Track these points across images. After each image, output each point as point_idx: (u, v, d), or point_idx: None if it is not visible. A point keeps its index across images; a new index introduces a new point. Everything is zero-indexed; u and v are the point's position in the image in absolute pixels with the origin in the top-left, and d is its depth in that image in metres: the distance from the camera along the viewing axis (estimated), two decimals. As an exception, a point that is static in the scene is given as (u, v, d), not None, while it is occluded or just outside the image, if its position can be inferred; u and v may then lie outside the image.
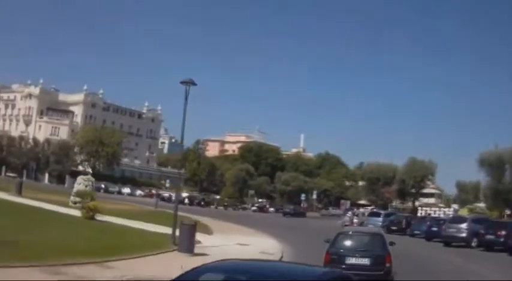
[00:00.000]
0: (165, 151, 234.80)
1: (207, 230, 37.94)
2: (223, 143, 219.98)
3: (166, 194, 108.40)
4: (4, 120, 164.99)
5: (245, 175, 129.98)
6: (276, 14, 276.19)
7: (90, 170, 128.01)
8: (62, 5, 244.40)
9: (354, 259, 18.86)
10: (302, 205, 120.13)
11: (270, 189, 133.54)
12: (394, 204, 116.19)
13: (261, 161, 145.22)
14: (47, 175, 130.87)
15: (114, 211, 41.78)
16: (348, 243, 19.96)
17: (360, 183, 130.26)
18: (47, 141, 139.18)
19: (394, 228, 58.59)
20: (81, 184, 47.96)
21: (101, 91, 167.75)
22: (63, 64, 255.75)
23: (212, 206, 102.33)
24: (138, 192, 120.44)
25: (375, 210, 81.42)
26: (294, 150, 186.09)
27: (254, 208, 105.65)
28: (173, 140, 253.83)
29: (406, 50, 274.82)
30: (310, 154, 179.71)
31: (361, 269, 17.99)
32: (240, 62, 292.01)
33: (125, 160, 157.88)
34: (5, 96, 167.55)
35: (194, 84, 29.12)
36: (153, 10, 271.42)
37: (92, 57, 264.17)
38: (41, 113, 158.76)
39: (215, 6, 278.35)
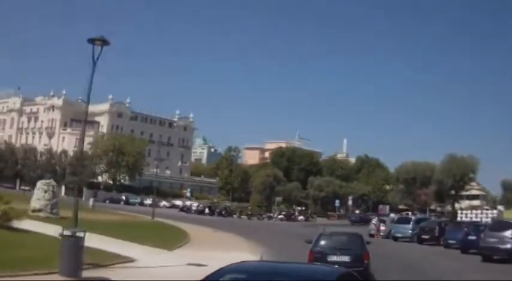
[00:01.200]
0: (204, 160, 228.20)
1: (173, 244, 31.40)
2: (263, 150, 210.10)
3: (187, 204, 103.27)
4: (27, 133, 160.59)
5: (272, 181, 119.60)
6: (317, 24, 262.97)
7: (110, 181, 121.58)
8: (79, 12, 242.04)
9: (335, 256, 20.44)
10: (337, 211, 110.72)
11: (302, 195, 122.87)
12: (433, 207, 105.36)
13: (294, 166, 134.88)
14: (63, 188, 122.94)
15: (92, 222, 35.61)
16: (329, 243, 22.06)
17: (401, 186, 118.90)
18: (64, 152, 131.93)
19: (425, 237, 48.23)
20: (40, 189, 42.66)
21: (128, 100, 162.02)
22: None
23: (235, 216, 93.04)
24: (163, 203, 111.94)
25: (404, 215, 71.29)
26: (338, 156, 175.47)
27: (281, 216, 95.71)
28: (212, 150, 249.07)
29: (444, 46, 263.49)
30: (352, 159, 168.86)
31: (342, 265, 16.60)
32: (276, 67, 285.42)
33: (154, 170, 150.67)
34: (28, 109, 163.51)
35: (107, 43, 22.19)
36: (183, 15, 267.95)
37: (120, 65, 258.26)
38: (64, 125, 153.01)
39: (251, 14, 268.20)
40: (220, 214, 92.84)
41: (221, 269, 8.35)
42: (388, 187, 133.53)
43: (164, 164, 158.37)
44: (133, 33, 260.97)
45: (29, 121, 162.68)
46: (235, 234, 46.37)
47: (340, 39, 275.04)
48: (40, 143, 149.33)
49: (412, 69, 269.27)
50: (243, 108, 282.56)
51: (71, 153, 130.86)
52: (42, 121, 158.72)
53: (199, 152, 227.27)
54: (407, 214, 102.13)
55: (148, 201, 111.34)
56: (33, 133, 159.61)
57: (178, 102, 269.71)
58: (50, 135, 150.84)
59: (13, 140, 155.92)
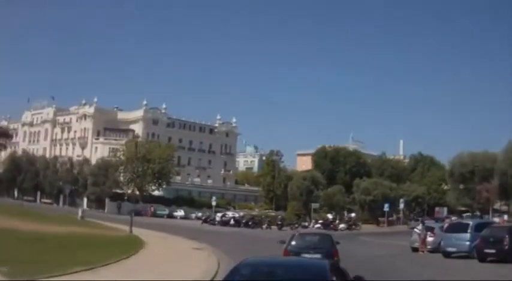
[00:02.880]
0: (255, 169, 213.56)
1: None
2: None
3: (211, 215, 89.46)
4: (61, 144, 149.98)
5: (310, 185, 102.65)
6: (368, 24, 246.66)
7: (137, 192, 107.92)
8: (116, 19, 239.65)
9: (308, 254, 21.67)
10: (387, 217, 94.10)
11: (347, 200, 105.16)
12: (496, 207, 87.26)
13: (339, 168, 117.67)
14: (85, 200, 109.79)
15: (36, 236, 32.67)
16: (302, 242, 25.19)
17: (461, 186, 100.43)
18: (86, 161, 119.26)
19: (489, 251, 31.20)
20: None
21: (164, 106, 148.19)
22: (123, 80, 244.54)
23: (264, 226, 77.82)
24: (194, 215, 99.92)
25: (458, 220, 54.25)
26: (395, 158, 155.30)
27: (318, 225, 79.21)
28: (264, 158, 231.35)
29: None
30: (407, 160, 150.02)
31: None
32: (324, 71, 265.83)
33: (196, 180, 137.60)
34: (61, 119, 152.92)
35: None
36: (225, 20, 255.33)
37: (155, 70, 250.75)
38: (97, 134, 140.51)
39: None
40: (246, 225, 78.35)
41: (236, 266, 11.17)
42: (445, 187, 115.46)
43: (206, 173, 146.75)
44: (170, 37, 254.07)
45: (62, 132, 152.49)
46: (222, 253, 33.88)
47: (388, 41, 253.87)
48: (73, 154, 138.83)
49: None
50: (292, 114, 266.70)
51: (93, 162, 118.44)
52: (75, 131, 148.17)
53: (251, 160, 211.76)
54: (468, 216, 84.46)
55: (180, 213, 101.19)
56: (67, 144, 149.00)
57: (220, 109, 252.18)
58: (83, 146, 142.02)
59: (47, 152, 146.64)
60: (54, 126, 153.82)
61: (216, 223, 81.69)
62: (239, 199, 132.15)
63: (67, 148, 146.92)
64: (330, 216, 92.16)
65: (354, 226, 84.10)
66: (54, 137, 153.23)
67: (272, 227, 77.89)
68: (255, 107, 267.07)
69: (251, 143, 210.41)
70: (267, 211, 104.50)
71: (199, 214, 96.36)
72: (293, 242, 24.76)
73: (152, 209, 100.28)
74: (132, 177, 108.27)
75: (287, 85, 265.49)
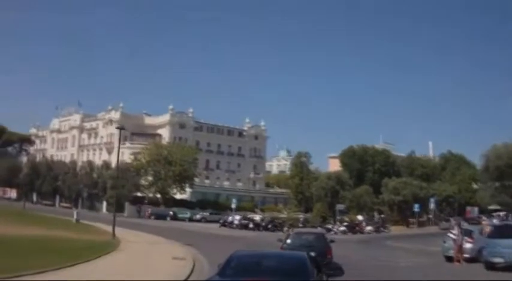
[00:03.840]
0: (288, 173, 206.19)
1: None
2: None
3: (230, 217, 79.70)
4: (88, 150, 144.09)
5: (335, 185, 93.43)
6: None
7: (158, 195, 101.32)
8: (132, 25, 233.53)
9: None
10: (417, 217, 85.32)
11: (374, 201, 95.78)
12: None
13: (368, 167, 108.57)
14: (104, 204, 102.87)
15: None
16: (297, 240, 26.11)
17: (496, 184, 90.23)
18: (106, 164, 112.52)
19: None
20: None
21: (191, 110, 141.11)
22: (150, 86, 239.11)
23: (285, 229, 69.08)
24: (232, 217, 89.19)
25: (505, 222, 45.18)
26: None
27: (342, 228, 70.60)
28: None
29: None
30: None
31: None
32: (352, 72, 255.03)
33: (225, 183, 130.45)
34: (88, 125, 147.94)
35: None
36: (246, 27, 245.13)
37: (182, 75, 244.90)
38: (124, 139, 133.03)
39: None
40: (266, 228, 70.31)
41: (230, 256, 13.32)
42: (475, 186, 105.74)
43: (235, 176, 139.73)
44: (197, 41, 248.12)
45: (89, 138, 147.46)
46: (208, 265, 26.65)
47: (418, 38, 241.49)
48: (100, 160, 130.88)
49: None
50: (324, 117, 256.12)
51: (107, 164, 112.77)
52: (101, 137, 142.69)
53: (284, 164, 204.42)
54: (498, 215, 75.12)
55: (202, 215, 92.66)
56: (94, 150, 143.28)
57: (250, 112, 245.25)
58: (109, 151, 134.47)
59: (74, 158, 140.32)
60: (81, 132, 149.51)
61: (235, 226, 73.88)
62: (269, 201, 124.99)
63: (94, 154, 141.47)
64: (360, 218, 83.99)
65: (382, 228, 75.47)
66: (81, 143, 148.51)
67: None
68: (287, 110, 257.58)
69: (284, 147, 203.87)
70: (296, 213, 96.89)
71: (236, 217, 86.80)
72: (288, 241, 26.02)
73: (171, 212, 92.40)
74: (153, 180, 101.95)
75: (318, 88, 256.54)
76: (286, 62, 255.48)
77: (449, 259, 31.42)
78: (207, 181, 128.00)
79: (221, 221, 79.36)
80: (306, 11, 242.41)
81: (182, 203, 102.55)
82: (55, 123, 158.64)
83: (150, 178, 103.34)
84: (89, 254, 27.20)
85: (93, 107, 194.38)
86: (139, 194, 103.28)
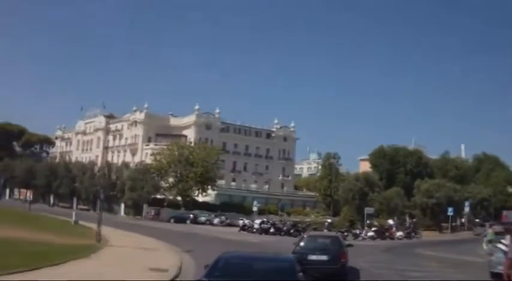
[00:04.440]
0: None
1: None
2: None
3: (246, 221, 74.25)
4: (112, 152, 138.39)
5: (364, 187, 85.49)
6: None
7: (179, 198, 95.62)
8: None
9: (314, 255, 22.01)
10: (451, 222, 78.19)
11: (406, 204, 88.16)
12: None
13: (399, 168, 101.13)
14: (122, 206, 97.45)
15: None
16: (311, 243, 23.67)
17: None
18: (126, 165, 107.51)
19: None
20: None
21: (217, 110, 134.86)
22: (177, 87, 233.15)
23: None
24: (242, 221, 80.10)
25: None
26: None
27: (371, 233, 63.71)
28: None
29: None
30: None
31: (321, 263, 21.66)
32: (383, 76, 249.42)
33: (252, 186, 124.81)
34: (113, 127, 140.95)
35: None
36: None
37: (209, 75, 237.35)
38: (148, 140, 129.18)
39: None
40: (288, 233, 63.38)
41: (218, 257, 12.75)
42: (510, 189, 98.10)
43: (263, 179, 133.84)
44: (225, 41, 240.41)
45: (114, 139, 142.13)
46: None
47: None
48: (124, 161, 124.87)
49: None
50: (355, 120, 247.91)
51: (127, 164, 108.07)
52: (126, 138, 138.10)
53: (314, 167, 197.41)
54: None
55: (220, 219, 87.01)
56: (118, 151, 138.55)
57: (280, 114, 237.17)
58: (133, 152, 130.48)
59: (99, 160, 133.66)
60: (106, 134, 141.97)
61: (255, 230, 67.08)
62: (297, 205, 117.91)
63: (118, 155, 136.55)
64: (390, 222, 76.89)
65: (413, 234, 68.34)
66: (106, 145, 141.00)
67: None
68: (319, 112, 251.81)
69: (315, 150, 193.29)
70: (324, 217, 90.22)
71: (245, 221, 77.72)
72: (301, 244, 23.75)
73: (191, 215, 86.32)
74: (174, 182, 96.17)
75: (349, 89, 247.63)
76: (316, 62, 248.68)
77: (498, 276, 24.03)
78: (233, 184, 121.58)
79: (241, 224, 72.91)
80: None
81: (204, 206, 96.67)
82: (80, 125, 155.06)
83: (170, 179, 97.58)
84: (55, 259, 23.60)
85: (116, 108, 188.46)
86: (159, 196, 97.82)
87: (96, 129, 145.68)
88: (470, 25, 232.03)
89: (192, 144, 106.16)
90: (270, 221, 70.78)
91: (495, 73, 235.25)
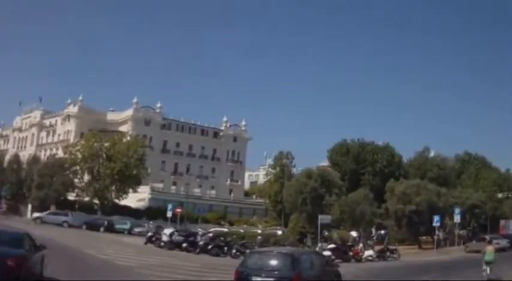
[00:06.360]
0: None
1: None
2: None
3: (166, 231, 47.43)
4: (45, 150, 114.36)
5: (319, 188, 56.43)
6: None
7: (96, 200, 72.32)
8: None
9: (259, 277, 15.87)
10: (436, 234, 53.77)
11: (377, 211, 63.25)
12: None
13: (366, 168, 77.53)
14: (29, 206, 76.17)
15: None
16: (256, 262, 16.99)
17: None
18: (36, 159, 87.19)
19: None
20: None
21: (159, 105, 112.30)
22: (120, 82, 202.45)
23: (233, 252, 39.39)
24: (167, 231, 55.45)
25: None
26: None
27: (326, 253, 38.64)
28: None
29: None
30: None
31: None
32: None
33: (196, 191, 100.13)
34: (47, 122, 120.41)
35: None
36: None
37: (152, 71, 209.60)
38: (80, 136, 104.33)
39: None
40: (204, 251, 40.03)
41: None
42: (500, 195, 74.85)
43: (209, 183, 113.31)
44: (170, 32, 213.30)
45: (47, 135, 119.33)
46: None
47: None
48: (35, 155, 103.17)
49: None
50: (317, 121, 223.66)
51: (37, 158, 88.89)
52: (59, 134, 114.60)
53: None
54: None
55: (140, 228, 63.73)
56: (51, 149, 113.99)
57: (233, 114, 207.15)
58: (65, 150, 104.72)
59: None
60: (40, 130, 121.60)
61: (163, 244, 44.31)
62: (246, 213, 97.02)
63: (51, 153, 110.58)
64: (354, 234, 54.15)
65: (388, 253, 43.85)
66: (40, 142, 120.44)
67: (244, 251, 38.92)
68: (276, 112, 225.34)
69: (273, 155, 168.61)
70: (272, 228, 68.52)
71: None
72: (246, 261, 17.28)
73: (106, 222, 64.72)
74: (89, 180, 72.96)
75: (311, 91, 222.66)
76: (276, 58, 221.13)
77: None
78: (173, 188, 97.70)
79: (149, 235, 49.24)
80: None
81: (127, 212, 73.94)
82: (17, 121, 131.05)
83: (86, 177, 75.25)
84: None
85: (58, 104, 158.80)
86: (71, 197, 75.49)
87: (32, 125, 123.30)
88: (446, 21, 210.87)
89: (109, 135, 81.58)
90: (186, 232, 46.83)
91: (462, 67, 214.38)
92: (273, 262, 16.64)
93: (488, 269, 27.66)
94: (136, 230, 63.14)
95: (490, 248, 29.58)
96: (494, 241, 51.26)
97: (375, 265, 36.78)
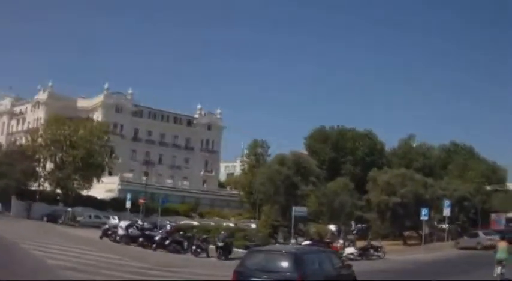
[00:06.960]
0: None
1: None
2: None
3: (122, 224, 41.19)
4: (15, 139, 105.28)
5: (293, 176, 49.74)
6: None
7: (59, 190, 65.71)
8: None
9: (259, 279, 14.15)
10: (424, 229, 47.85)
11: (358, 203, 57.33)
12: None
13: (346, 156, 71.71)
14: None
15: None
16: (256, 262, 14.96)
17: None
18: None
19: None
20: None
21: (130, 91, 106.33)
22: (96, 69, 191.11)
23: (193, 249, 33.95)
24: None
25: None
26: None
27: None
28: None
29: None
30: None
31: None
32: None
33: (168, 181, 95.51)
34: (17, 110, 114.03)
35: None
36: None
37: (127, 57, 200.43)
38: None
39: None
40: (161, 246, 34.64)
41: None
42: (488, 188, 68.82)
43: (181, 173, 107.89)
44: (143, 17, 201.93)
45: (17, 124, 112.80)
46: None
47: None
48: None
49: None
50: (292, 110, 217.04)
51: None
52: (28, 122, 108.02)
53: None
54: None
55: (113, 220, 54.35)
56: (20, 138, 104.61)
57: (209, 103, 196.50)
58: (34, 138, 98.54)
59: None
60: (10, 118, 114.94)
61: (118, 238, 38.87)
62: (220, 205, 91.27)
63: (21, 142, 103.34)
64: (332, 228, 50.21)
65: (372, 250, 37.58)
66: (10, 131, 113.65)
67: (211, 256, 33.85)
68: (251, 101, 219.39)
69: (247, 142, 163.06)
70: (247, 220, 64.75)
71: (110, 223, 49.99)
72: (245, 260, 15.23)
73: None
74: (52, 169, 66.91)
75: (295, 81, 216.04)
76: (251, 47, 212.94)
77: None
78: (144, 178, 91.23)
79: (104, 228, 43.57)
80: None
81: (91, 203, 67.92)
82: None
83: (48, 166, 69.56)
84: None
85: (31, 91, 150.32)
86: (32, 187, 69.24)
87: (2, 114, 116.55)
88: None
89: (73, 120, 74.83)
90: (143, 225, 40.77)
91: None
92: (274, 262, 14.83)
93: (499, 268, 23.97)
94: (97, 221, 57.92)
95: (503, 244, 25.50)
96: (488, 237, 45.73)
97: (358, 266, 30.45)
